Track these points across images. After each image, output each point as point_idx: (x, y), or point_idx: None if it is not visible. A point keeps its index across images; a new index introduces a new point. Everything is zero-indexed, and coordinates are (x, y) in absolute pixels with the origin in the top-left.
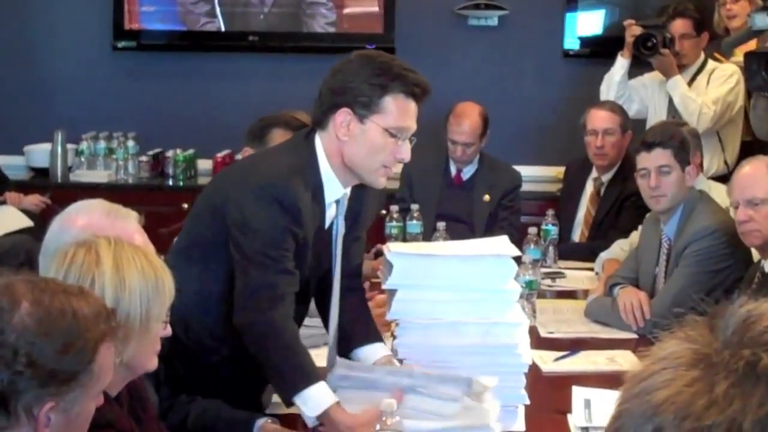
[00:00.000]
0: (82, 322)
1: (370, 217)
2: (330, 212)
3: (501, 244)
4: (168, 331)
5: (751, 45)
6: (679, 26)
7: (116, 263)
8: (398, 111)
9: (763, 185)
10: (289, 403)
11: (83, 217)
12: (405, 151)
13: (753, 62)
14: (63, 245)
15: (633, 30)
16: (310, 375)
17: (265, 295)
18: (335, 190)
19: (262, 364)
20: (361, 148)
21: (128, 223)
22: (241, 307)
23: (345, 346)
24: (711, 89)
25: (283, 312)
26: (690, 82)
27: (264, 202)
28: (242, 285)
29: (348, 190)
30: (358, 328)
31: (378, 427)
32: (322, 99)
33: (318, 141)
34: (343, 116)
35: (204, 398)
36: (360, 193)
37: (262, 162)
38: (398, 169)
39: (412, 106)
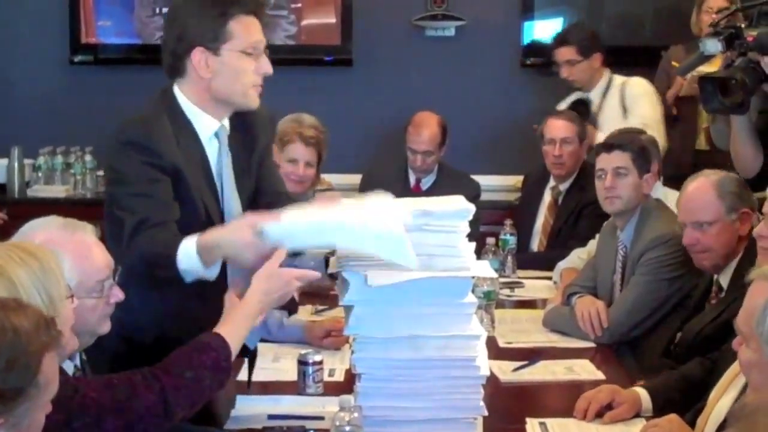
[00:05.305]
0: (24, 338)
1: (266, 143)
2: (213, 146)
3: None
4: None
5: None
6: (564, 53)
7: None
8: (245, 31)
9: (709, 208)
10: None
11: (41, 234)
12: (265, 64)
13: (708, 85)
14: None
15: None
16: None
17: (142, 230)
18: (208, 125)
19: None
20: (226, 78)
21: (86, 234)
22: (127, 249)
23: None
24: (640, 109)
25: (166, 234)
26: (601, 101)
27: (120, 149)
28: (120, 231)
29: (226, 123)
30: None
31: (337, 423)
32: (170, 49)
33: (177, 89)
34: (197, 56)
35: None
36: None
37: (122, 123)
38: (356, 179)
39: (254, 22)
